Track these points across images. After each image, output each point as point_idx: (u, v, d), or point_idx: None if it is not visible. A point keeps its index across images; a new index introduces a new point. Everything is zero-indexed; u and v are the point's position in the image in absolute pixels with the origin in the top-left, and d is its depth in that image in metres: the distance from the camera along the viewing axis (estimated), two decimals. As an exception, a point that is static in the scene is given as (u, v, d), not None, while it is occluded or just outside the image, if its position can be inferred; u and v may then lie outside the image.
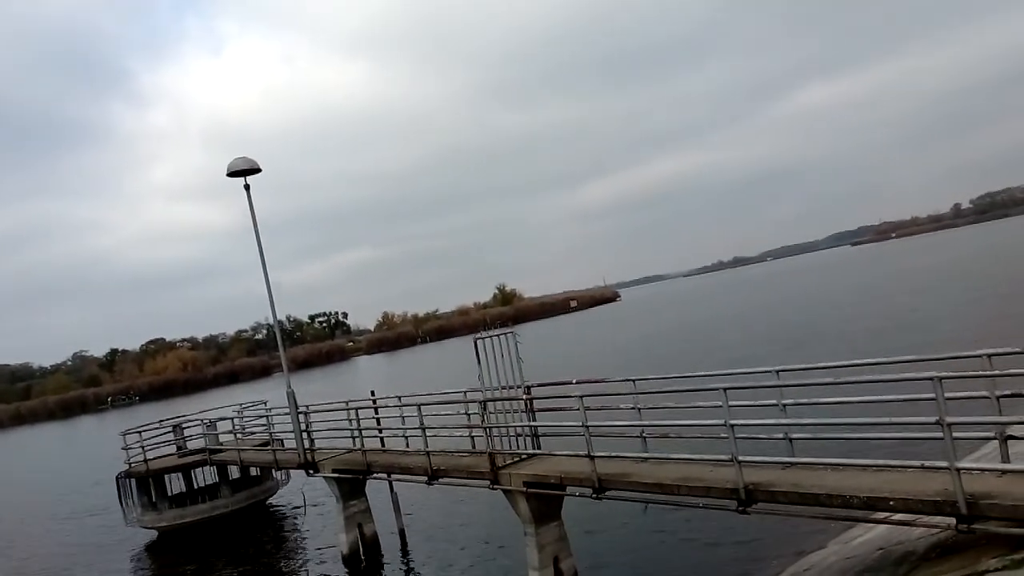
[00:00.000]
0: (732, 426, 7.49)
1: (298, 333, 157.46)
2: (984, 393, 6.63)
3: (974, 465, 6.56)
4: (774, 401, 7.94)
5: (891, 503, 6.46)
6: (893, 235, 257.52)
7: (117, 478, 19.39)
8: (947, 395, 6.07)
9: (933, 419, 6.10)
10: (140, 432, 19.18)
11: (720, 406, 7.57)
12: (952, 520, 6.16)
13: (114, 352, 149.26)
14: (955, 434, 6.13)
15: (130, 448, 19.20)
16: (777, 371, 8.16)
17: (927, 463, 6.37)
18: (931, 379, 6.06)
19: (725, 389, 7.49)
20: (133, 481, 19.09)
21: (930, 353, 8.03)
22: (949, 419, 6.03)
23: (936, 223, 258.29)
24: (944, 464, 6.11)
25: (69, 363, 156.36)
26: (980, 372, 6.68)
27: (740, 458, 7.45)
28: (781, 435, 8.12)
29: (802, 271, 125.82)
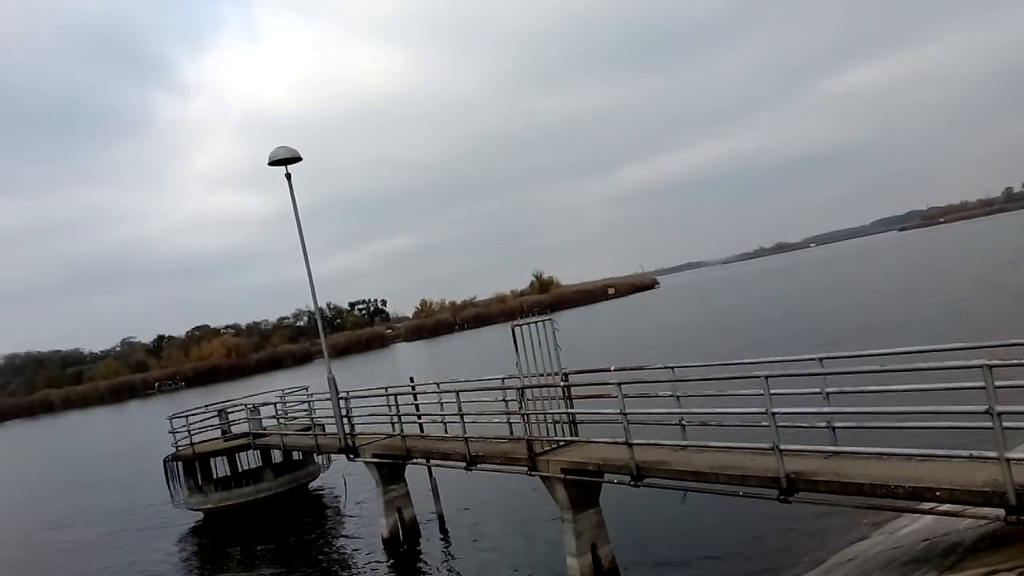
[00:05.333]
0: (774, 414, 7.39)
1: (338, 320, 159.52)
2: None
3: (1025, 456, 6.40)
4: (817, 389, 7.82)
5: (937, 493, 6.33)
6: (942, 220, 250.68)
7: (164, 461, 19.95)
8: (997, 384, 5.91)
9: (982, 408, 5.96)
10: (186, 417, 19.67)
11: (761, 394, 7.48)
12: (1001, 511, 6.02)
13: (161, 338, 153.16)
14: (1005, 424, 5.97)
15: (177, 432, 19.71)
16: (821, 359, 8.02)
17: (976, 453, 6.23)
18: (981, 367, 5.91)
19: (767, 377, 7.40)
20: (180, 464, 19.61)
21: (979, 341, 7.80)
22: (999, 408, 5.88)
23: (987, 207, 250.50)
24: (993, 454, 5.97)
25: (118, 349, 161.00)
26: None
27: (782, 446, 7.36)
28: (824, 424, 7.99)
29: (847, 257, 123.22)
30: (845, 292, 51.91)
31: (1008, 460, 5.86)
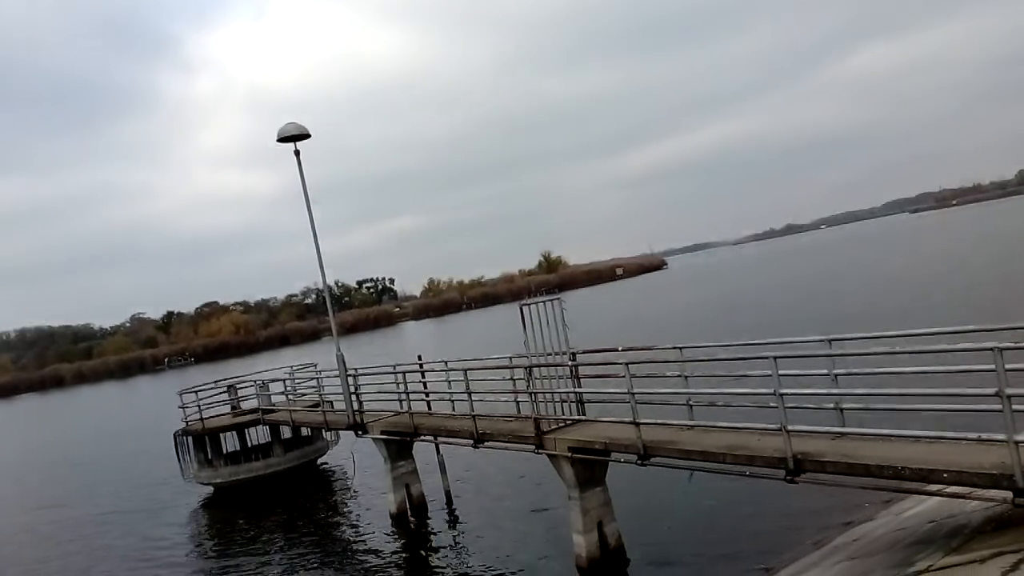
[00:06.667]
0: (781, 395, 7.40)
1: (346, 298, 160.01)
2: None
3: (1034, 438, 6.38)
4: (825, 370, 7.81)
5: (944, 475, 6.33)
6: (954, 202, 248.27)
7: (175, 435, 20.15)
8: (1007, 367, 5.89)
9: (992, 390, 5.94)
10: (196, 392, 19.82)
11: (769, 375, 7.48)
12: (1008, 494, 6.02)
13: (170, 315, 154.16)
14: (1015, 406, 5.95)
15: (187, 407, 19.87)
16: (829, 340, 8.00)
17: (984, 435, 6.22)
18: (991, 349, 5.88)
19: (775, 358, 7.39)
20: (190, 439, 19.80)
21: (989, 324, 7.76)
22: (1009, 391, 5.86)
23: (1000, 190, 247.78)
24: (1002, 437, 5.97)
25: (127, 325, 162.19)
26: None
27: (789, 427, 7.37)
28: (832, 405, 7.99)
29: (857, 239, 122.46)
30: (854, 274, 51.65)
31: (1017, 443, 5.85)
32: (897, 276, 43.85)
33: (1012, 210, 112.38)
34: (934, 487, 6.74)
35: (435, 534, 13.24)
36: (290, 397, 19.58)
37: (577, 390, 11.01)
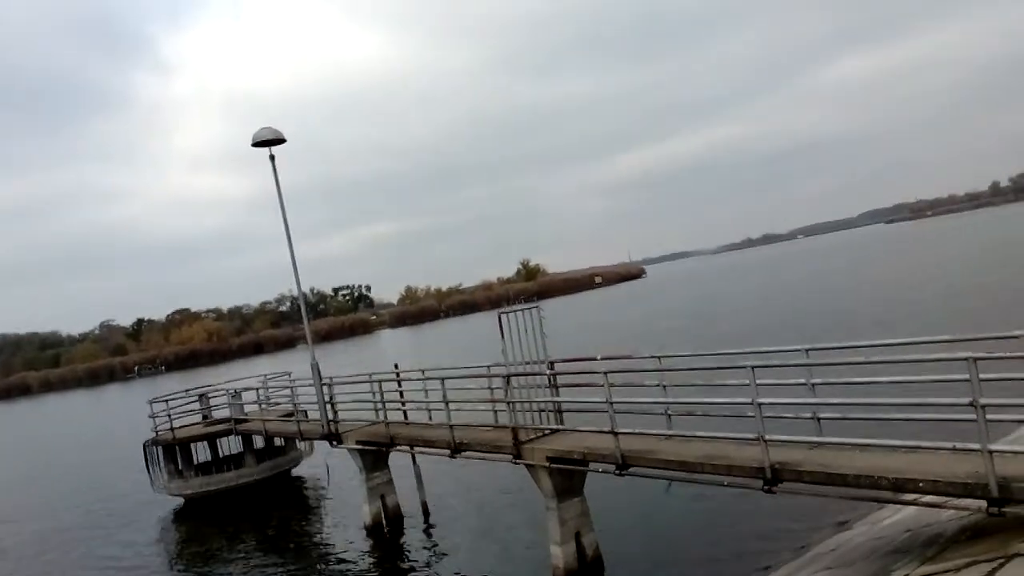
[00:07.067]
0: (759, 405, 7.40)
1: (322, 306, 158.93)
2: (1019, 375, 6.46)
3: (1007, 448, 6.44)
4: (803, 380, 7.83)
5: (921, 484, 6.36)
6: (929, 213, 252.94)
7: (145, 445, 19.76)
8: (981, 376, 5.93)
9: (966, 400, 5.98)
10: (167, 401, 19.51)
11: (747, 384, 7.48)
12: (983, 503, 6.07)
13: (140, 322, 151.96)
14: (988, 416, 6.00)
15: (157, 416, 19.54)
16: (806, 350, 8.03)
17: (959, 445, 6.25)
18: (966, 359, 5.93)
19: (752, 367, 7.39)
20: (160, 449, 19.44)
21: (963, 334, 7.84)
22: (983, 400, 5.90)
23: (974, 201, 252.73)
24: (977, 446, 6.00)
25: (97, 332, 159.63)
26: (1016, 354, 6.51)
27: (767, 437, 7.37)
28: (809, 414, 8.01)
29: (834, 249, 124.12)
30: (831, 284, 52.30)
31: (991, 452, 5.89)
32: (873, 285, 44.47)
33: (985, 222, 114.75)
34: (910, 496, 6.76)
35: (411, 546, 13.08)
36: (263, 406, 19.32)
37: (555, 399, 10.96)
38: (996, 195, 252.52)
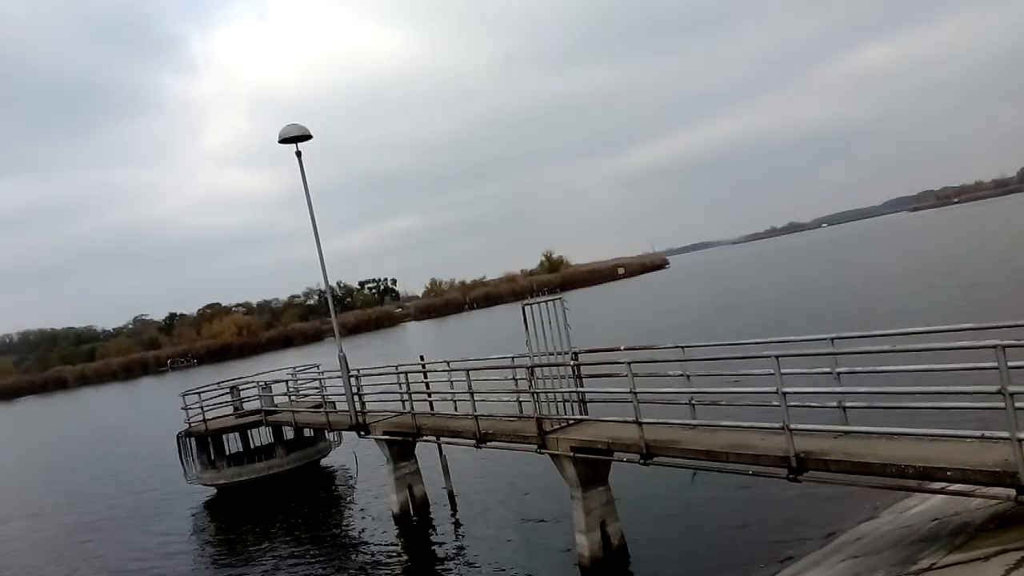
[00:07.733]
0: (784, 394, 7.39)
1: (349, 299, 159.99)
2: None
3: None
4: (828, 369, 7.81)
5: (948, 473, 6.32)
6: (955, 200, 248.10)
7: (178, 437, 20.17)
8: (1010, 364, 5.88)
9: (995, 388, 5.93)
10: (199, 393, 19.83)
11: (772, 374, 7.48)
12: (1012, 491, 6.02)
13: (172, 316, 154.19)
14: (1018, 404, 5.94)
15: (190, 408, 19.90)
16: (832, 339, 7.99)
17: (987, 433, 6.21)
18: (994, 347, 5.88)
19: (777, 356, 7.39)
20: (193, 440, 19.82)
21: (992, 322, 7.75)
22: (1012, 388, 5.85)
23: (1002, 188, 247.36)
24: (1005, 435, 5.95)
25: (130, 326, 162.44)
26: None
27: (792, 426, 7.37)
28: (834, 404, 7.99)
29: (859, 238, 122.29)
30: (856, 272, 51.56)
31: (1020, 441, 5.84)
32: (899, 274, 43.78)
33: (1013, 208, 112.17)
34: (937, 485, 6.72)
35: (438, 534, 13.24)
36: (292, 398, 19.59)
37: (579, 390, 11.01)
38: None
